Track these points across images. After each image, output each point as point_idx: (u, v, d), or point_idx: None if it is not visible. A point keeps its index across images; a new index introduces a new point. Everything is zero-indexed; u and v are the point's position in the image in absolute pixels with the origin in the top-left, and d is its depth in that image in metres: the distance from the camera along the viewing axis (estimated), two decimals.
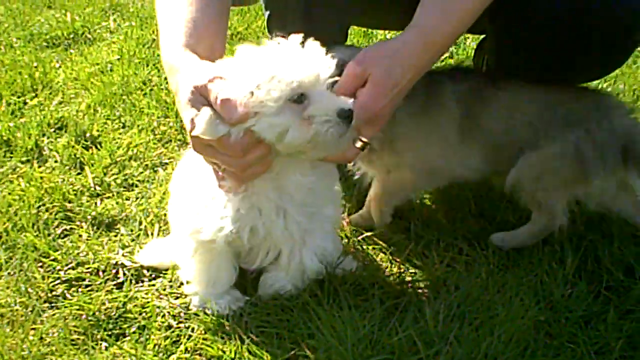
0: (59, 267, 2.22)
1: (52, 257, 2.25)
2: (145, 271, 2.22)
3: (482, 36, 3.04)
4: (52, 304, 2.09)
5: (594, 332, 1.96)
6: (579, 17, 2.23)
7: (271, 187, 1.95)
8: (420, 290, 2.10)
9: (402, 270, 2.17)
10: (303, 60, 1.85)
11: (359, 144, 2.00)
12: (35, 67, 3.48)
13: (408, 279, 2.14)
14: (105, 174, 2.67)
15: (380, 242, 2.32)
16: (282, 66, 1.83)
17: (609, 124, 2.26)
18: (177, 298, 2.10)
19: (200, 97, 1.81)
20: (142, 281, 2.19)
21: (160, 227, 2.35)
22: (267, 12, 2.51)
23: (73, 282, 2.17)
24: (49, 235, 2.35)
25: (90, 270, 2.21)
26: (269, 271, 2.09)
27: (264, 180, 1.93)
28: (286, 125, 1.83)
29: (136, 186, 2.63)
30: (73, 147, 2.83)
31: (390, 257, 2.24)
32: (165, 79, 3.34)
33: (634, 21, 2.29)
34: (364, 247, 2.30)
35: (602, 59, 2.42)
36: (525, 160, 2.29)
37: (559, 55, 2.35)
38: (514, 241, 2.33)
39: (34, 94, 3.24)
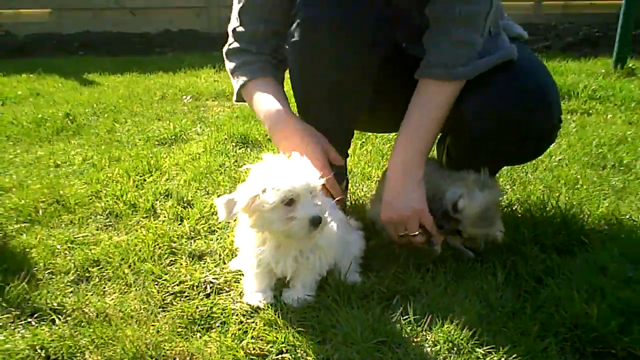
0: (168, 285, 2.18)
1: (163, 278, 2.21)
2: (224, 287, 2.18)
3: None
4: (164, 309, 2.05)
5: (518, 320, 1.93)
6: (501, 132, 2.21)
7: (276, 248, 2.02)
8: (403, 295, 2.06)
9: (391, 282, 2.12)
10: (297, 174, 1.87)
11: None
12: (151, 157, 3.48)
13: (395, 288, 2.09)
14: (196, 224, 2.64)
15: (376, 267, 2.28)
16: (282, 177, 1.86)
17: None
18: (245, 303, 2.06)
19: None
20: (222, 293, 2.15)
21: (232, 257, 2.31)
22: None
23: (177, 294, 2.13)
24: (161, 264, 2.32)
25: (188, 286, 2.17)
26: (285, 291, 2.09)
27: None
28: (274, 221, 1.88)
29: (217, 232, 2.59)
30: (176, 207, 2.80)
31: (383, 275, 2.19)
32: (235, 162, 3.36)
33: (545, 135, 2.30)
34: (367, 270, 2.25)
35: (529, 155, 2.47)
36: None
37: (498, 155, 2.35)
38: None
39: (150, 175, 3.23)
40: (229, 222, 2.59)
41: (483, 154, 2.31)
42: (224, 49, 2.49)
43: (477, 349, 1.78)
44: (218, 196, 2.19)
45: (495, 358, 1.75)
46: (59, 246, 2.47)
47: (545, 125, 2.26)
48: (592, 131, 3.89)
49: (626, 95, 4.68)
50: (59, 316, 2.00)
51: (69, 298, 2.11)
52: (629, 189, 2.96)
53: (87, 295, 2.13)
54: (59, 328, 1.93)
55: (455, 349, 1.80)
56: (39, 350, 1.83)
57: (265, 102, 2.32)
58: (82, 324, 1.96)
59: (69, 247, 2.48)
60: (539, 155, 2.47)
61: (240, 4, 2.41)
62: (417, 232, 2.21)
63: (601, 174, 3.17)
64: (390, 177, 2.25)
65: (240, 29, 2.43)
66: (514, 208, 2.71)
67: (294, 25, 2.25)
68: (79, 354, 1.83)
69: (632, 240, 2.39)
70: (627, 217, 2.62)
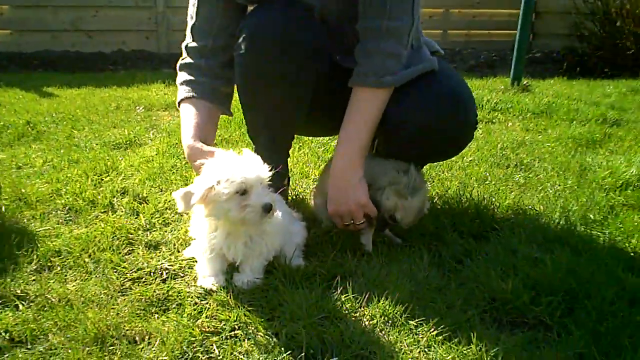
0: (126, 272, 2.06)
1: (122, 266, 2.09)
2: (179, 272, 2.07)
3: None
4: (123, 293, 1.93)
5: (444, 295, 1.91)
6: (426, 133, 2.20)
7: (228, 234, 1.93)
8: (343, 276, 1.99)
9: (331, 265, 2.07)
10: (249, 167, 1.82)
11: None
12: (108, 159, 3.30)
13: (335, 270, 2.04)
14: (152, 218, 2.51)
15: (318, 253, 2.20)
16: (235, 170, 1.80)
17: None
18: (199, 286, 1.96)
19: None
20: (177, 278, 2.04)
21: (186, 246, 2.21)
22: (247, 127, 2.44)
23: (135, 280, 2.02)
24: (119, 253, 2.19)
25: (146, 272, 2.06)
26: (236, 275, 1.99)
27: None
28: (230, 209, 1.81)
29: (170, 224, 2.47)
30: (132, 203, 2.66)
31: (324, 259, 2.13)
32: (185, 163, 3.23)
33: (464, 133, 2.31)
34: (309, 255, 2.18)
35: (451, 153, 2.49)
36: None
37: (423, 155, 2.35)
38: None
39: (107, 175, 3.06)
40: (181, 215, 2.48)
41: (409, 154, 2.29)
42: (178, 63, 2.39)
43: (410, 321, 1.75)
44: (170, 193, 2.10)
45: (425, 329, 1.72)
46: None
47: (463, 128, 2.28)
48: (496, 137, 3.95)
49: (523, 107, 4.79)
50: (23, 302, 1.86)
51: (32, 286, 1.96)
52: (530, 184, 3.00)
53: (49, 282, 1.98)
54: (23, 313, 1.79)
55: (390, 322, 1.76)
56: (3, 334, 1.69)
57: (184, 127, 2.21)
58: (45, 309, 1.82)
59: (31, 239, 2.31)
60: (461, 151, 2.47)
61: (192, 21, 2.34)
62: (362, 222, 2.17)
63: (506, 172, 3.21)
64: (334, 176, 2.19)
65: (192, 44, 2.34)
66: (434, 201, 2.69)
67: (240, 38, 2.18)
68: (42, 336, 1.69)
69: (535, 226, 2.41)
70: (530, 207, 2.66)
